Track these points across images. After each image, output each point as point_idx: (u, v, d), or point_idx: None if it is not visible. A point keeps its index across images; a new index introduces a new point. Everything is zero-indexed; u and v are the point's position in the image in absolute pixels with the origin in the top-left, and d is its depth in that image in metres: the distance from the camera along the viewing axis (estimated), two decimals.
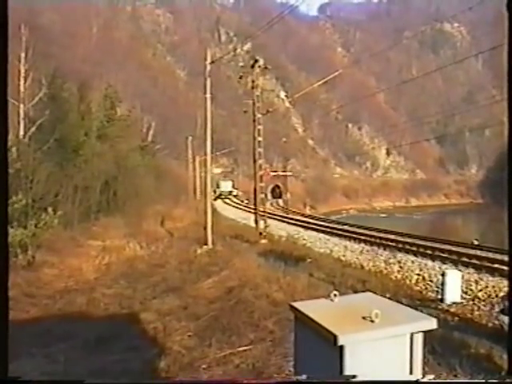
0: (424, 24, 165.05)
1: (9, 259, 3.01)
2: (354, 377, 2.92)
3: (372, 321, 3.10)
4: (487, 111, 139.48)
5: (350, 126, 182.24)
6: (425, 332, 3.19)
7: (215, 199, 77.55)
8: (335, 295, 3.57)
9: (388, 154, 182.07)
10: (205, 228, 23.12)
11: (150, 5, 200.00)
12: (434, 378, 5.56)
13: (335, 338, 2.93)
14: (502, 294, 9.37)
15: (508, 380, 4.17)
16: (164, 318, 10.21)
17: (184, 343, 8.68)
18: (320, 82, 38.51)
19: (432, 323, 3.21)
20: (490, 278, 15.16)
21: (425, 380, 3.31)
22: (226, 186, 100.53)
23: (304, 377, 3.40)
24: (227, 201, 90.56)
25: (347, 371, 2.98)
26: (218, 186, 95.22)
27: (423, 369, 3.27)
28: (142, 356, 8.16)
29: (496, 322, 9.46)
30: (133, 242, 22.40)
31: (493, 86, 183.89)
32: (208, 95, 23.55)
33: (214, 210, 31.12)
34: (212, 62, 23.93)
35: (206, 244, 22.28)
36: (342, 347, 2.95)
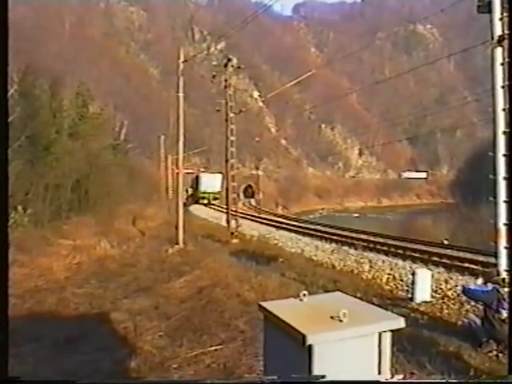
0: (397, 25, 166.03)
1: (8, 259, 2.98)
2: (323, 377, 2.94)
3: (340, 320, 3.12)
4: (458, 112, 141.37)
5: (322, 126, 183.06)
6: (393, 331, 3.22)
7: (188, 202, 62.93)
8: (304, 295, 3.58)
9: (360, 154, 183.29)
10: (176, 227, 23.05)
11: (123, 2, 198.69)
12: (442, 378, 5.64)
13: (304, 337, 2.94)
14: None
15: (508, 380, 4.21)
16: (135, 318, 10.16)
17: (155, 343, 8.65)
18: (293, 82, 38.56)
19: (400, 322, 3.24)
20: (460, 277, 15.34)
21: (401, 380, 3.35)
22: (212, 183, 69.92)
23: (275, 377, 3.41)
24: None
25: (316, 371, 3.00)
26: (195, 184, 72.14)
27: (392, 367, 3.31)
28: (112, 356, 8.11)
29: (465, 320, 9.57)
30: (104, 241, 22.22)
31: (464, 87, 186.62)
32: (181, 94, 23.47)
33: (185, 210, 31.02)
34: (185, 61, 23.86)
35: (177, 243, 22.21)
36: (310, 347, 2.97)
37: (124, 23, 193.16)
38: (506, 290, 8.67)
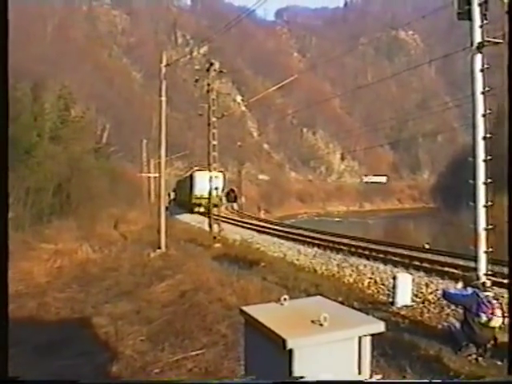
0: (379, 31, 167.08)
1: (8, 259, 2.97)
2: (301, 377, 2.96)
3: (321, 324, 3.14)
4: (440, 117, 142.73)
5: (305, 130, 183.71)
6: (373, 335, 3.25)
7: (170, 207, 57.27)
8: (285, 299, 3.60)
9: (342, 158, 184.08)
10: (158, 231, 22.97)
11: (106, 5, 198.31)
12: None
13: (284, 341, 2.96)
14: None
15: (508, 380, 4.26)
16: (116, 323, 10.12)
17: (136, 347, 8.62)
18: (276, 87, 38.67)
19: (380, 326, 3.27)
20: (440, 281, 15.44)
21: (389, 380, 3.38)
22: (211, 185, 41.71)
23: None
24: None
25: (296, 375, 3.01)
26: (188, 187, 57.73)
27: (373, 371, 3.33)
28: (93, 361, 8.07)
29: (445, 324, 9.64)
30: (86, 246, 22.08)
31: (445, 92, 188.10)
32: (163, 98, 23.43)
33: (167, 214, 30.95)
34: (168, 65, 23.82)
35: (159, 248, 22.14)
36: (291, 351, 2.98)
37: (107, 26, 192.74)
38: (486, 294, 8.76)
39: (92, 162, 44.02)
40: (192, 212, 54.60)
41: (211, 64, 29.04)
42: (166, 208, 28.98)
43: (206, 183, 41.01)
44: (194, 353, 8.04)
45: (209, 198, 32.51)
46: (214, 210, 41.15)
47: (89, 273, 17.18)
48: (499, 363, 8.18)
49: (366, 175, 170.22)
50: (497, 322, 8.52)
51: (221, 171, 49.99)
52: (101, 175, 44.34)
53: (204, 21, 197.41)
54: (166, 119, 23.59)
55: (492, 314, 8.43)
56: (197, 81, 30.29)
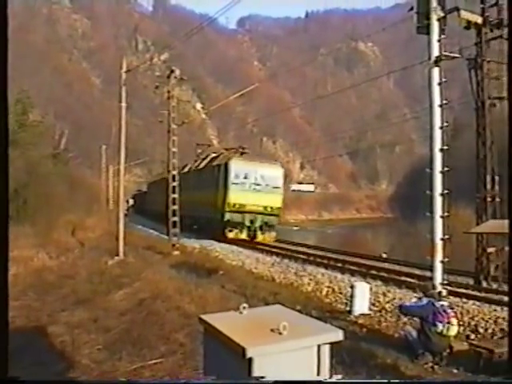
0: (340, 42, 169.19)
1: (8, 261, 2.91)
2: (262, 377, 2.97)
3: (280, 333, 3.15)
4: (398, 128, 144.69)
5: (265, 139, 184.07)
6: (332, 343, 3.28)
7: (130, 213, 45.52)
8: (244, 308, 3.61)
9: (302, 168, 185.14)
10: (117, 238, 22.75)
11: (66, 9, 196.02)
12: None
13: (244, 350, 2.96)
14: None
15: (508, 380, 4.32)
16: (73, 331, 9.97)
17: (93, 357, 8.50)
18: (236, 95, 38.81)
19: (338, 335, 3.30)
20: (398, 290, 15.63)
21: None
22: (267, 182, 32.52)
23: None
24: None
25: None
26: (219, 186, 33.49)
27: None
28: (48, 370, 7.93)
29: (402, 333, 9.77)
30: (42, 253, 21.75)
31: (404, 104, 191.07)
32: (123, 104, 23.27)
33: (126, 221, 30.67)
34: (128, 71, 23.69)
35: (117, 255, 21.91)
36: (250, 359, 2.99)
37: (67, 30, 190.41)
38: (441, 303, 8.91)
39: (50, 167, 43.42)
40: (218, 237, 31.90)
41: (172, 71, 28.94)
42: (125, 215, 28.71)
43: (259, 181, 31.51)
44: (151, 362, 7.97)
45: (166, 204, 28.80)
46: (265, 238, 31.45)
47: (45, 280, 16.89)
48: (455, 371, 8.33)
49: (294, 183, 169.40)
50: (453, 330, 8.68)
51: (278, 164, 36.20)
52: (59, 181, 43.75)
53: (165, 27, 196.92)
54: (125, 125, 23.42)
55: (448, 322, 8.58)
56: (157, 87, 30.12)
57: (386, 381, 7.68)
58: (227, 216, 31.39)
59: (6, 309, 3.01)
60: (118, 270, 18.49)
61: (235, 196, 31.37)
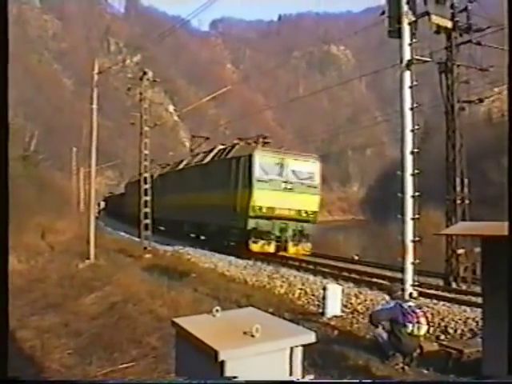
0: (312, 45, 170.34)
1: (8, 261, 2.85)
2: (235, 377, 2.96)
3: (253, 336, 3.14)
4: (369, 131, 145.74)
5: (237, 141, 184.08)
6: (304, 345, 3.28)
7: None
8: (217, 310, 3.60)
9: None
10: (88, 242, 22.52)
11: (37, 9, 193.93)
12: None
13: (216, 353, 2.95)
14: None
15: (508, 380, 4.35)
16: (43, 336, 9.83)
17: (63, 361, 8.39)
18: (209, 97, 38.87)
19: (311, 337, 3.30)
20: (369, 292, 15.70)
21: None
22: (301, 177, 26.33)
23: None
24: None
25: None
26: (239, 184, 26.43)
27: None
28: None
29: (372, 334, 9.83)
30: (11, 256, 21.41)
31: (375, 107, 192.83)
32: (95, 106, 23.06)
33: (97, 224, 30.42)
34: (100, 72, 23.50)
35: (88, 258, 21.68)
36: (222, 362, 2.97)
37: (37, 31, 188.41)
38: (409, 304, 9.00)
39: (19, 169, 42.83)
40: (238, 251, 25.79)
41: (144, 73, 28.85)
42: (96, 218, 28.48)
43: (290, 178, 25.52)
44: (123, 366, 7.91)
45: (138, 208, 28.23)
46: (299, 250, 25.40)
47: (14, 285, 16.61)
48: (425, 371, 8.40)
49: None
50: (423, 329, 8.77)
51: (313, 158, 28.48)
52: (28, 183, 43.17)
53: (138, 29, 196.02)
54: (97, 127, 23.23)
55: (418, 322, 8.66)
56: (129, 89, 30.00)
57: (357, 381, 7.72)
58: (251, 223, 25.03)
59: (6, 309, 2.98)
60: (89, 273, 18.30)
61: (262, 197, 24.99)
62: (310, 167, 26.86)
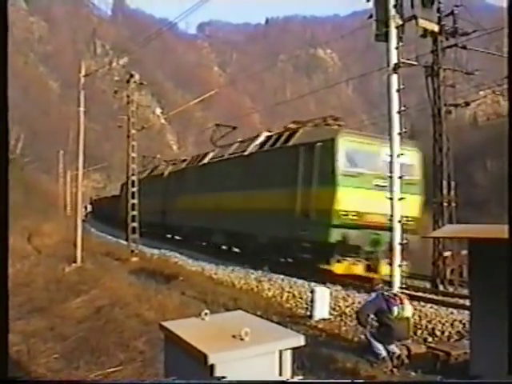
0: (299, 48, 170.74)
1: (8, 261, 2.83)
2: (223, 377, 2.96)
3: (242, 339, 3.14)
4: None
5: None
6: (293, 349, 3.28)
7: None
8: (206, 314, 3.58)
9: None
10: (74, 245, 22.40)
11: (23, 11, 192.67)
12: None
13: (205, 357, 2.94)
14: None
15: (508, 380, 4.35)
16: (29, 340, 9.75)
17: (50, 366, 8.32)
18: (196, 101, 38.76)
19: (300, 340, 3.30)
20: (357, 295, 15.71)
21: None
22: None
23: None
24: None
25: None
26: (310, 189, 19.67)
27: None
28: None
29: (362, 337, 9.84)
30: None
31: (362, 111, 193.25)
32: (81, 108, 22.95)
33: (84, 227, 30.27)
34: (86, 75, 23.40)
35: (75, 262, 21.56)
36: (212, 366, 2.97)
37: (23, 33, 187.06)
38: (390, 291, 9.07)
39: None
40: (314, 274, 19.39)
41: (131, 75, 28.74)
42: (83, 221, 28.34)
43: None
44: (110, 370, 7.86)
45: (126, 211, 27.83)
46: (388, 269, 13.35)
47: None
48: (413, 374, 8.43)
49: None
50: (408, 310, 8.82)
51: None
52: (14, 186, 42.93)
53: (124, 31, 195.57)
54: (84, 130, 23.12)
55: (401, 303, 8.71)
56: (116, 92, 29.86)
57: (349, 381, 7.74)
58: (336, 234, 18.46)
59: (6, 309, 2.96)
60: (75, 277, 18.19)
61: (350, 198, 18.65)
62: (409, 158, 17.19)
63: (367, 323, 9.08)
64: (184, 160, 38.64)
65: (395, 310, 8.68)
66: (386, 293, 8.93)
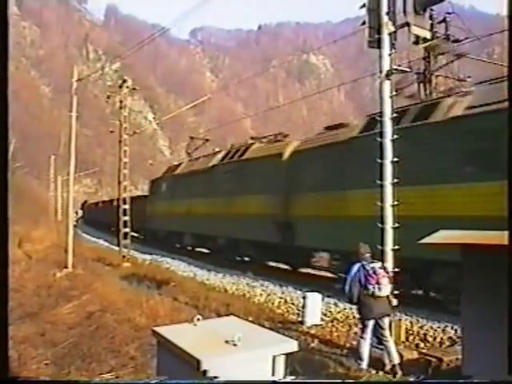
0: (291, 54, 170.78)
1: (8, 261, 2.80)
2: (216, 377, 2.95)
3: (235, 344, 3.13)
4: None
5: (216, 149, 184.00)
6: (286, 354, 3.26)
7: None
8: (198, 319, 3.57)
9: None
10: (65, 250, 22.32)
11: (15, 16, 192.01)
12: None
13: (198, 362, 2.93)
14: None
15: (508, 380, 4.34)
16: (19, 346, 9.69)
17: (40, 372, 8.28)
18: (188, 106, 38.79)
19: (293, 346, 3.29)
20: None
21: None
22: None
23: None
24: None
25: None
26: None
27: None
28: None
29: (354, 343, 9.82)
30: None
31: (354, 116, 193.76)
32: (73, 113, 22.92)
33: (75, 232, 30.15)
34: (79, 80, 23.37)
35: (66, 267, 21.49)
36: (205, 372, 2.95)
37: (15, 38, 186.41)
38: (373, 265, 8.89)
39: None
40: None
41: (124, 81, 28.68)
42: (74, 225, 28.22)
43: None
44: (101, 376, 7.82)
45: (117, 215, 27.49)
46: None
47: None
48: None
49: None
50: (384, 291, 8.66)
51: None
52: None
53: (117, 36, 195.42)
54: (75, 135, 23.06)
55: (377, 283, 8.58)
56: (109, 97, 29.77)
57: (340, 381, 7.73)
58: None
59: (6, 309, 2.94)
60: (66, 282, 18.13)
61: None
62: None
63: (353, 297, 8.93)
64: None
65: (370, 288, 8.56)
66: (367, 267, 8.78)
